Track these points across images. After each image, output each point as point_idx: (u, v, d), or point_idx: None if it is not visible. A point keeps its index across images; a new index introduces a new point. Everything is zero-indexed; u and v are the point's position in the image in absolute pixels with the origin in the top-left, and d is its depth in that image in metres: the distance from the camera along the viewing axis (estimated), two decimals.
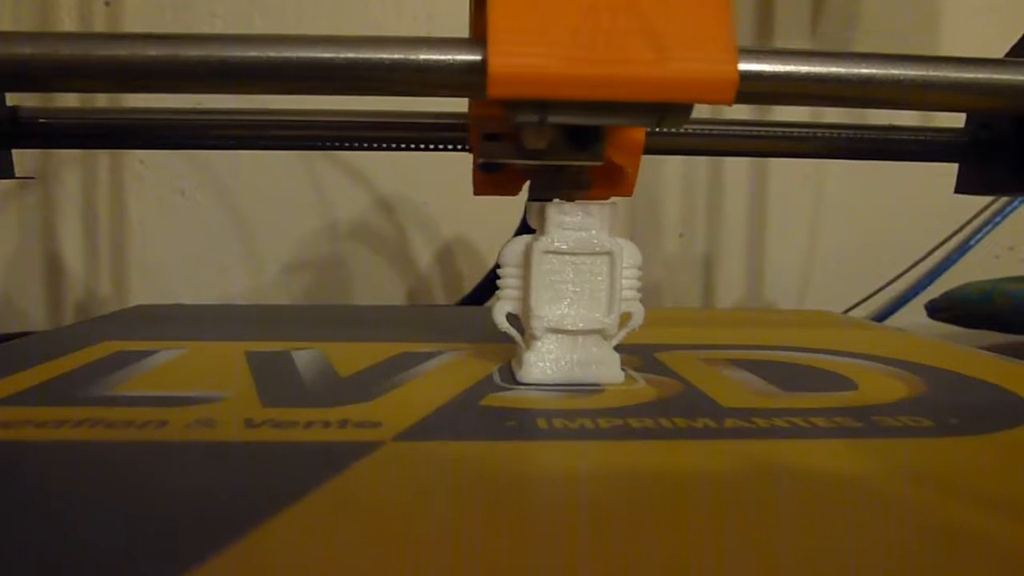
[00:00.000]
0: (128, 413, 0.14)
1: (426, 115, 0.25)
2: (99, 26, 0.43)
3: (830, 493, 0.11)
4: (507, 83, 0.13)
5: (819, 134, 0.27)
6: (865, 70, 0.16)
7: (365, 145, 0.25)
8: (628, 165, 0.18)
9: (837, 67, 0.16)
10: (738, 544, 0.09)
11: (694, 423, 0.14)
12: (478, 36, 0.14)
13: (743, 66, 0.14)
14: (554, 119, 0.14)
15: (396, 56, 0.14)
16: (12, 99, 0.25)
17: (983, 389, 0.18)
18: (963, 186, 0.28)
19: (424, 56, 0.14)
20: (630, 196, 0.19)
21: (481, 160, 0.17)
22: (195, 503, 0.10)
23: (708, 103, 0.14)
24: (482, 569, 0.09)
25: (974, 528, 0.10)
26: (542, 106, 0.14)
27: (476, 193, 0.20)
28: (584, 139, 0.16)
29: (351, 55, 0.14)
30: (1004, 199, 0.43)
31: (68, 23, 0.43)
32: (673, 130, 0.25)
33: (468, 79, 0.14)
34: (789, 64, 0.15)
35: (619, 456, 0.13)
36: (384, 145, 0.25)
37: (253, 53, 0.14)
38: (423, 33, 0.14)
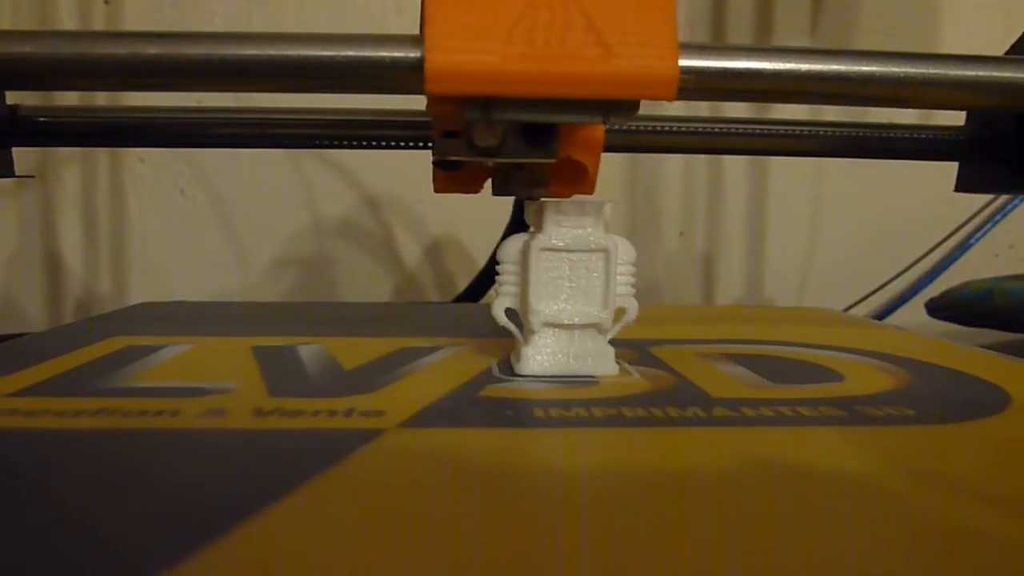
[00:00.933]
0: (142, 403, 0.15)
1: (426, 114, 0.25)
2: (99, 24, 0.43)
3: (813, 478, 0.12)
4: (444, 80, 0.13)
5: (819, 132, 0.27)
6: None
7: (365, 144, 0.26)
8: (588, 163, 0.18)
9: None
10: (725, 525, 0.10)
11: (684, 412, 0.15)
12: (422, 33, 0.14)
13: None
14: (499, 116, 0.14)
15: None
16: (12, 97, 0.25)
17: (967, 382, 0.18)
18: (963, 184, 0.28)
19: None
20: (592, 193, 0.19)
21: (435, 157, 0.17)
22: (210, 486, 0.11)
23: (649, 99, 0.14)
24: (480, 550, 0.09)
25: (947, 511, 0.11)
26: (486, 103, 0.14)
27: (436, 190, 0.20)
28: (537, 137, 0.16)
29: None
30: (1004, 197, 0.44)
31: (68, 21, 0.43)
32: (630, 127, 0.26)
33: (408, 76, 0.14)
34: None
35: (612, 443, 0.13)
36: (386, 143, 0.26)
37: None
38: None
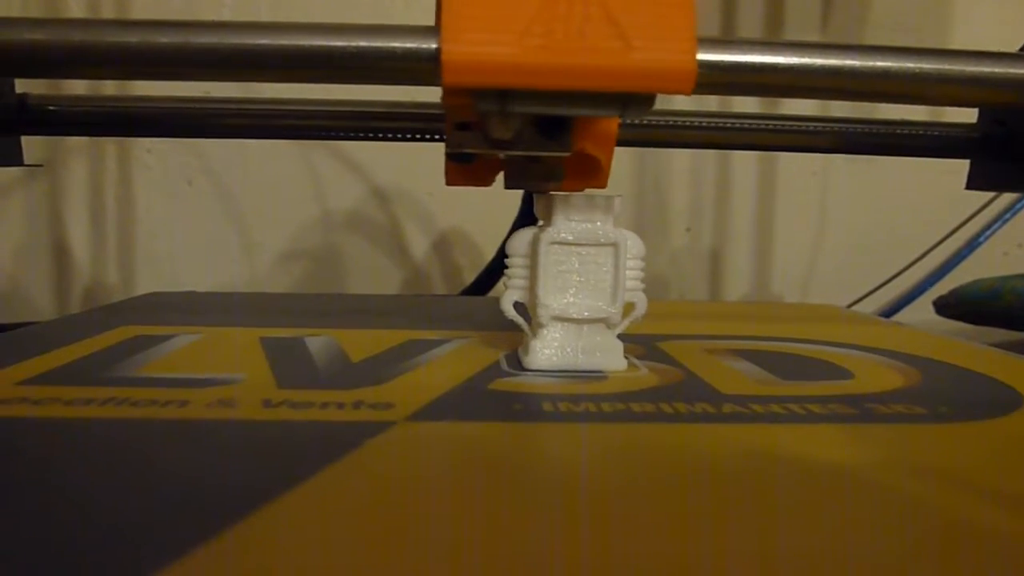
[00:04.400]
0: (150, 393, 0.15)
1: (437, 106, 0.25)
2: (107, 13, 0.43)
3: (822, 476, 0.12)
4: (461, 71, 0.13)
5: (828, 128, 0.27)
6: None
7: (374, 136, 0.26)
8: (601, 156, 0.18)
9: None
10: (733, 523, 0.10)
11: (693, 408, 0.15)
12: (437, 24, 0.14)
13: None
14: (515, 108, 0.14)
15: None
16: (21, 86, 0.25)
17: (977, 380, 0.18)
18: (975, 182, 0.27)
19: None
20: (604, 187, 0.19)
21: (449, 149, 0.17)
22: (218, 477, 0.11)
23: (667, 92, 0.14)
24: (489, 545, 0.09)
25: (958, 510, 0.10)
26: (502, 95, 0.14)
27: (448, 183, 0.20)
28: (552, 129, 0.16)
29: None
30: (1012, 195, 0.43)
31: (76, 10, 0.43)
32: (640, 121, 0.26)
33: (424, 67, 0.14)
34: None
35: (621, 438, 0.13)
36: (393, 136, 0.26)
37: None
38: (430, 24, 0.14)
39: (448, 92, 0.15)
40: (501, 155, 0.18)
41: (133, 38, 0.14)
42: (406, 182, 0.45)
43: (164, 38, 0.14)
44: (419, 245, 0.46)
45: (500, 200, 0.28)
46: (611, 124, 0.17)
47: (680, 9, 0.13)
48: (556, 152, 0.16)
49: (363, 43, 0.14)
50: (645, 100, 0.14)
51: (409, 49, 0.14)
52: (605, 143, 0.17)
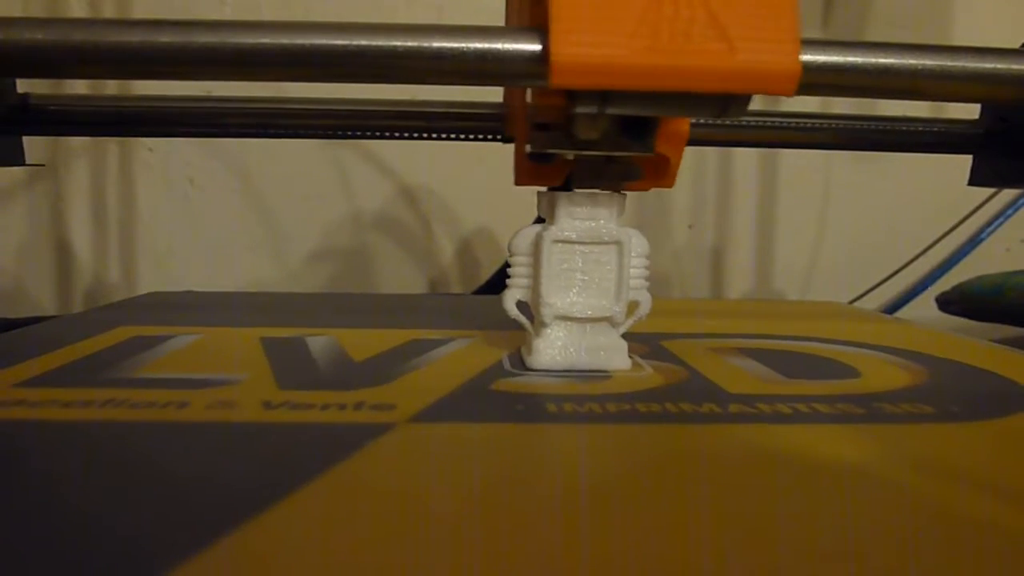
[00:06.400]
0: (149, 395, 0.15)
1: (440, 103, 0.25)
2: (108, 12, 0.43)
3: (830, 476, 0.12)
4: (570, 72, 0.13)
5: (830, 125, 0.27)
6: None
7: (378, 134, 0.26)
8: (672, 156, 0.18)
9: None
10: (739, 524, 0.10)
11: (699, 408, 0.15)
12: (536, 25, 0.14)
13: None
14: (613, 110, 0.14)
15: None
16: (22, 86, 0.25)
17: (984, 378, 0.18)
18: (977, 178, 0.27)
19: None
20: (672, 187, 0.19)
21: (532, 150, 0.17)
22: (217, 480, 0.11)
23: (769, 94, 0.14)
24: (491, 549, 0.09)
25: (969, 510, 0.10)
26: (603, 96, 0.14)
27: (518, 183, 0.20)
28: (637, 130, 0.16)
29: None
30: (1014, 191, 0.43)
31: (77, 10, 0.43)
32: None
33: (530, 68, 0.14)
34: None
35: (626, 439, 0.13)
36: (398, 134, 0.25)
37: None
38: (434, 22, 0.14)
39: (542, 93, 0.15)
40: (570, 155, 0.17)
41: (134, 38, 0.14)
42: (425, 180, 0.45)
43: (166, 37, 0.14)
44: (440, 244, 0.46)
45: (521, 198, 0.28)
46: (683, 124, 0.17)
47: (783, 10, 0.13)
48: (639, 152, 0.16)
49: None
50: (744, 101, 0.14)
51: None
52: (677, 142, 0.17)
